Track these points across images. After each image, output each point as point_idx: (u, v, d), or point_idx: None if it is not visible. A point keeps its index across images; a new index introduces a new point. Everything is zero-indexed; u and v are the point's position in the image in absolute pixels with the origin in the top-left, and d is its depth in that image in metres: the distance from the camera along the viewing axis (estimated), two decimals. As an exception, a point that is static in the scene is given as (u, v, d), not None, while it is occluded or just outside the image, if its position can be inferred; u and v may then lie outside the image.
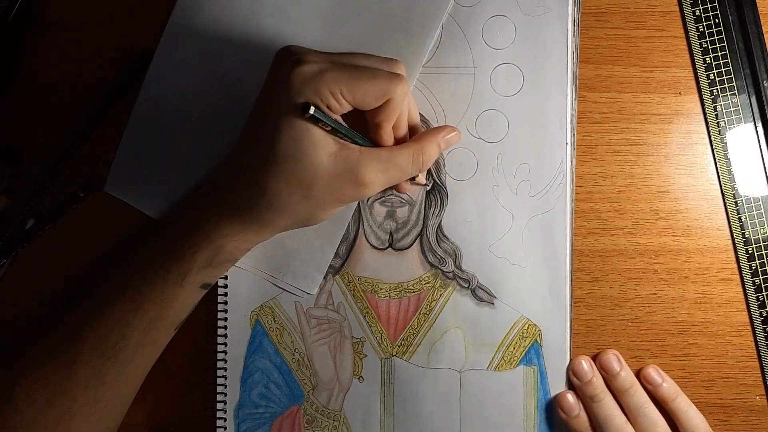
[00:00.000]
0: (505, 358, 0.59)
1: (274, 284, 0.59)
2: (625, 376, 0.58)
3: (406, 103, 0.52)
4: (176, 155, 0.59)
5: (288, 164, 0.48)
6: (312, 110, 0.46)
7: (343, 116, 0.50)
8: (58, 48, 0.61)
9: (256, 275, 0.59)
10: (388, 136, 0.52)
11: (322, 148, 0.48)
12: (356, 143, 0.50)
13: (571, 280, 0.58)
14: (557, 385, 0.59)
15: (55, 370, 0.51)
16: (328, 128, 0.48)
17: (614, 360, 0.58)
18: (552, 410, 0.59)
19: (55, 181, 0.60)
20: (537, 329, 0.58)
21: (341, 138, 0.49)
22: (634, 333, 0.60)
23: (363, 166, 0.49)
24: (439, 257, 0.59)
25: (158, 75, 0.59)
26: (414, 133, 0.55)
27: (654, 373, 0.58)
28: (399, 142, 0.53)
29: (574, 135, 0.58)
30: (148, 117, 0.59)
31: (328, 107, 0.48)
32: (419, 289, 0.59)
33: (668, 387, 0.58)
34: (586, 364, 0.58)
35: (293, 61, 0.48)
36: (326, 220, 0.53)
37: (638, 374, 0.59)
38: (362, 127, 0.51)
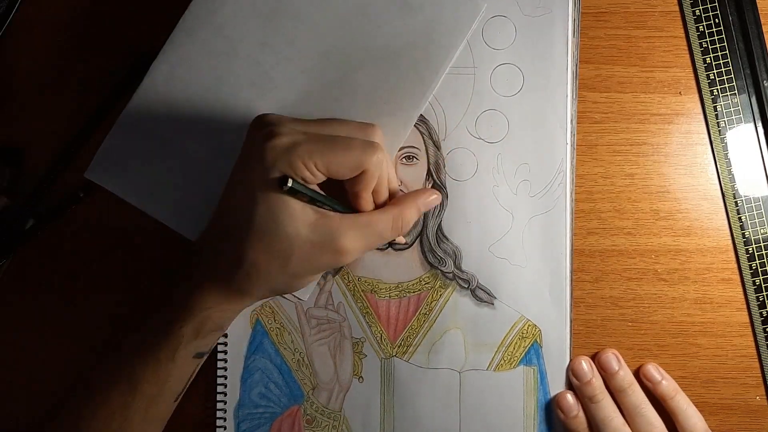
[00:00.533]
0: (505, 359, 0.59)
1: None
2: (624, 375, 0.58)
3: (385, 170, 0.51)
4: (167, 152, 0.58)
5: (266, 236, 0.48)
6: (290, 183, 0.45)
7: (322, 182, 0.50)
8: (59, 48, 0.61)
9: None
10: (367, 203, 0.52)
11: (300, 219, 0.48)
12: (335, 210, 0.50)
13: (571, 280, 0.58)
14: (557, 385, 0.59)
15: None
16: (306, 199, 0.48)
17: (613, 359, 0.58)
18: (552, 410, 0.59)
19: (55, 181, 0.60)
20: (537, 329, 0.58)
21: (319, 207, 0.49)
22: (634, 333, 0.60)
23: (342, 234, 0.49)
24: (439, 257, 0.59)
25: (164, 69, 0.58)
26: (392, 196, 0.55)
27: (653, 370, 0.59)
28: (379, 205, 0.53)
29: (574, 135, 0.58)
30: (144, 110, 0.58)
31: (303, 179, 0.47)
32: (419, 290, 0.59)
33: (667, 385, 0.58)
34: (585, 365, 0.58)
35: (266, 133, 0.48)
36: (305, 287, 0.53)
37: (638, 372, 0.59)
38: (341, 192, 0.51)
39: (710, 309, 0.60)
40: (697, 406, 0.58)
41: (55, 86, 0.61)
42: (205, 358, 0.54)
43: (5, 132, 0.61)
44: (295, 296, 0.59)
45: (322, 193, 0.49)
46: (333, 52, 0.57)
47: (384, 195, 0.53)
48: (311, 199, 0.48)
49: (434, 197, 0.55)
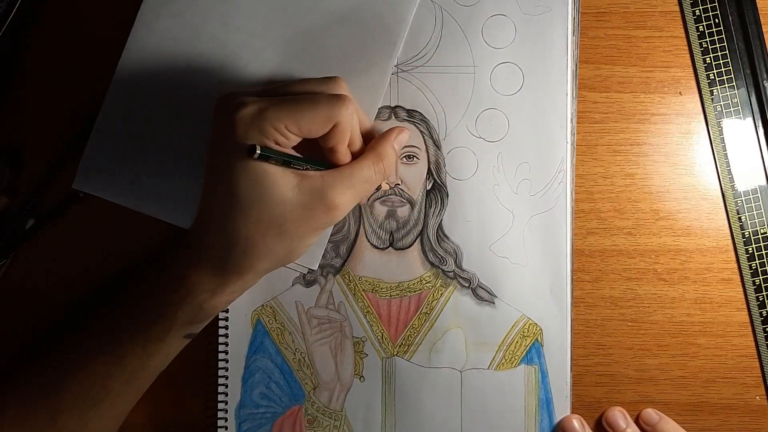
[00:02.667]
0: (506, 358, 0.59)
1: None
2: None
3: (356, 119, 0.51)
4: (149, 147, 0.58)
5: (254, 208, 0.48)
6: (258, 150, 0.46)
7: (298, 145, 0.50)
8: (59, 48, 0.61)
9: None
10: (344, 155, 0.52)
11: (283, 183, 0.48)
12: (315, 170, 0.50)
13: (572, 279, 0.58)
14: (558, 384, 0.59)
15: (37, 418, 0.51)
16: (281, 163, 0.48)
17: (620, 417, 0.59)
18: (552, 409, 0.58)
19: (55, 181, 0.60)
20: (538, 328, 0.58)
21: (299, 169, 0.49)
22: (634, 333, 0.60)
23: (329, 189, 0.49)
24: (439, 257, 0.59)
25: (131, 65, 0.58)
26: (370, 137, 0.55)
27: (652, 413, 0.59)
28: (356, 155, 0.53)
29: (574, 134, 0.59)
30: (119, 111, 0.58)
31: (277, 143, 0.48)
32: (420, 289, 0.59)
33: (664, 424, 0.59)
34: (577, 424, 0.58)
35: (234, 105, 0.48)
36: (306, 251, 0.53)
37: (638, 419, 0.59)
38: (318, 152, 0.51)
39: (710, 309, 0.60)
40: (697, 406, 0.59)
41: (56, 86, 0.61)
42: (192, 339, 0.54)
43: (5, 132, 0.61)
44: (304, 266, 0.59)
45: (297, 154, 0.49)
46: (296, 19, 0.58)
47: (358, 144, 0.53)
48: (287, 163, 0.48)
49: (404, 133, 0.55)
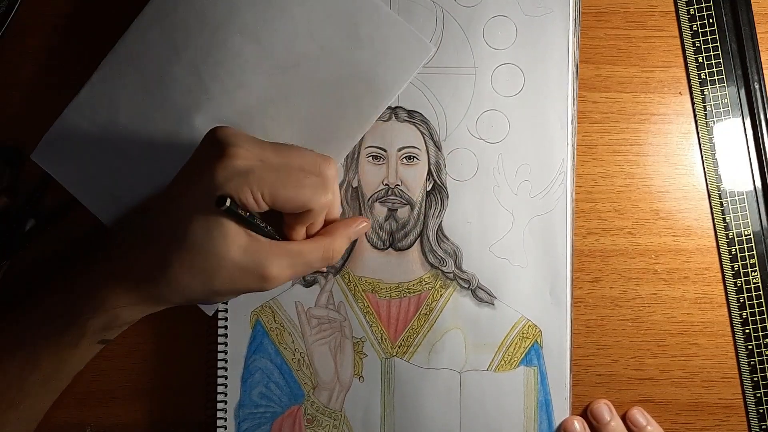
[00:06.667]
0: (506, 359, 0.59)
1: None
2: (615, 426, 0.58)
3: (325, 211, 0.52)
4: (107, 143, 0.58)
5: (196, 253, 0.48)
6: (228, 203, 0.45)
7: None
8: (59, 48, 0.61)
9: None
10: (298, 234, 0.52)
11: (233, 241, 0.48)
12: (267, 236, 0.50)
13: (572, 281, 0.58)
14: (558, 386, 0.59)
15: None
16: (240, 222, 0.48)
17: (605, 409, 0.59)
18: (551, 412, 0.59)
19: (55, 181, 0.60)
20: (537, 330, 0.58)
21: (252, 230, 0.49)
22: (634, 333, 0.60)
23: (269, 261, 0.49)
24: (439, 257, 0.59)
25: (113, 63, 0.58)
26: (326, 224, 0.55)
27: (639, 415, 0.59)
28: (311, 235, 0.53)
29: (574, 135, 0.58)
30: (91, 101, 0.58)
31: (244, 205, 0.47)
32: (419, 290, 0.59)
33: (652, 430, 0.58)
34: (578, 425, 0.58)
35: (222, 152, 0.48)
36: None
37: (624, 417, 0.59)
38: (276, 218, 0.51)
39: (710, 309, 0.60)
40: (696, 406, 0.59)
41: (55, 86, 0.61)
42: (107, 344, 0.54)
43: (5, 132, 0.61)
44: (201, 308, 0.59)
45: (259, 217, 0.50)
46: (276, 72, 0.57)
47: (318, 227, 0.53)
48: (246, 222, 0.48)
49: (364, 225, 0.56)
